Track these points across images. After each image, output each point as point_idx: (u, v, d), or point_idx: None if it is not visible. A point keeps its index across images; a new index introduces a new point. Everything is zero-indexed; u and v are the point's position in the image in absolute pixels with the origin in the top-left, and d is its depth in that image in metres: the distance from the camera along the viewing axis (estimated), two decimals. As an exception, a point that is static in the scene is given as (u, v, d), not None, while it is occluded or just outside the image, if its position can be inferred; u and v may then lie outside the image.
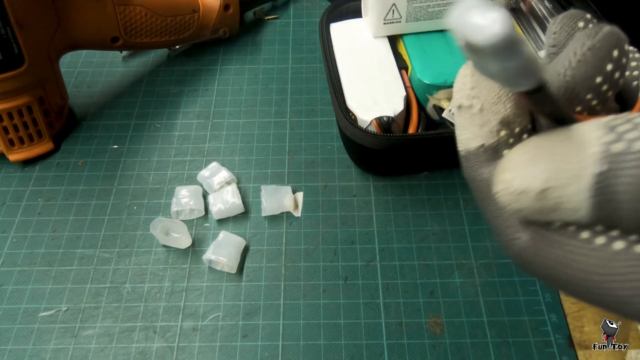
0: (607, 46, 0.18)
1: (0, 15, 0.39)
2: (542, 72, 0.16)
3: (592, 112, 0.19)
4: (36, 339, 0.37)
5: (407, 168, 0.45)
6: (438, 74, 0.42)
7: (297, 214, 0.43)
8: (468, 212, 0.43)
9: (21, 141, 0.45)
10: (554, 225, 0.17)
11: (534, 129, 0.19)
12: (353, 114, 0.41)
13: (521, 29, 0.45)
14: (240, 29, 0.57)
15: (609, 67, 0.18)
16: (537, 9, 0.46)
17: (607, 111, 0.19)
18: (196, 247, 0.41)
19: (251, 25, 0.59)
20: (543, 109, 0.17)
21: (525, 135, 0.19)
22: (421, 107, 0.43)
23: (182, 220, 0.42)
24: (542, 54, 0.19)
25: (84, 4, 0.44)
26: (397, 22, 0.44)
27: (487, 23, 0.14)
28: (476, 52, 0.14)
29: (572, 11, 0.20)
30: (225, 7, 0.54)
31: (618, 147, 0.15)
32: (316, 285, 0.39)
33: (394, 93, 0.42)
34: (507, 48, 0.14)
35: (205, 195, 0.43)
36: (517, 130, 0.19)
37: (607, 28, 0.19)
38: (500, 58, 0.14)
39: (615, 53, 0.18)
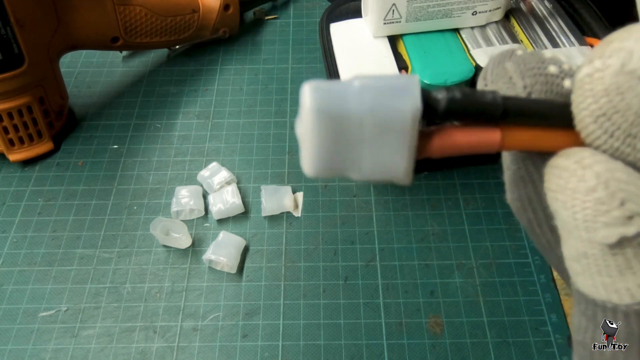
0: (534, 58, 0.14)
1: (0, 15, 0.39)
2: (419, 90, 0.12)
3: None
4: (36, 339, 0.37)
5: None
6: (438, 74, 0.41)
7: (297, 214, 0.43)
8: (468, 212, 0.43)
9: (21, 141, 0.45)
10: None
11: None
12: (353, 114, 0.41)
13: (521, 29, 0.45)
14: (240, 29, 0.57)
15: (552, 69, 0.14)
16: (537, 9, 0.46)
17: None
18: (196, 247, 0.41)
19: (251, 25, 0.59)
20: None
21: None
22: (421, 107, 0.43)
23: (182, 220, 0.42)
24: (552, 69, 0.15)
25: (84, 4, 0.44)
26: (397, 22, 0.44)
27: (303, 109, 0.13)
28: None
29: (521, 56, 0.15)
30: (225, 7, 0.54)
31: None
32: (316, 285, 0.39)
33: (394, 93, 0.42)
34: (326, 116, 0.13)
35: (205, 195, 0.43)
36: None
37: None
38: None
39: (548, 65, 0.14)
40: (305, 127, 0.13)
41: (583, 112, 0.12)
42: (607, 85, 0.11)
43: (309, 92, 0.13)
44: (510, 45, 0.15)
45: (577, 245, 0.13)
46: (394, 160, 0.13)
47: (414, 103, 0.12)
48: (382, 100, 0.12)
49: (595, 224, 0.12)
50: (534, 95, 0.14)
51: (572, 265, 0.13)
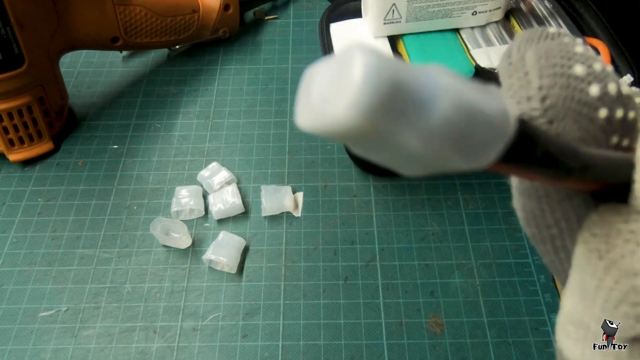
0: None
1: (0, 15, 0.39)
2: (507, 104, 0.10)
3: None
4: (36, 339, 0.37)
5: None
6: (438, 74, 0.41)
7: (297, 214, 0.43)
8: (468, 212, 0.43)
9: (21, 141, 0.45)
10: None
11: None
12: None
13: (521, 29, 0.45)
14: (240, 29, 0.57)
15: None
16: (537, 9, 0.46)
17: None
18: (196, 247, 0.41)
19: (251, 25, 0.59)
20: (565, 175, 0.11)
21: None
22: (421, 107, 0.43)
23: (182, 220, 0.42)
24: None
25: (84, 4, 0.44)
26: (397, 22, 0.44)
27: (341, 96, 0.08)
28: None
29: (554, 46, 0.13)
30: (225, 7, 0.54)
31: None
32: (316, 285, 0.39)
33: (394, 93, 0.42)
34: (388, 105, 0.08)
35: (205, 195, 0.43)
36: None
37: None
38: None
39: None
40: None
41: None
42: None
43: (360, 55, 0.08)
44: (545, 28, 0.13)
45: (587, 311, 0.11)
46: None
47: (512, 109, 0.10)
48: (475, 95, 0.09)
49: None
50: (548, 101, 0.12)
51: (566, 326, 0.11)
